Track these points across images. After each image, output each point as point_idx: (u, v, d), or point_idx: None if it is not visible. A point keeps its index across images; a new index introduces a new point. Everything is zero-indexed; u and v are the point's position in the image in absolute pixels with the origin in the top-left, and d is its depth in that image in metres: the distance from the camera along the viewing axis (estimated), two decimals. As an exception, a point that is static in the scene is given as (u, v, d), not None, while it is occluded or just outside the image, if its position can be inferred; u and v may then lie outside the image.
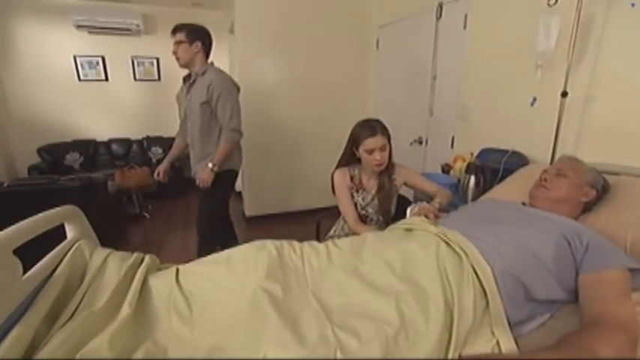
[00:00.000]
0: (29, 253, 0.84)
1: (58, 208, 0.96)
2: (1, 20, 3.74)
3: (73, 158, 4.03)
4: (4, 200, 2.25)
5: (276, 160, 3.39)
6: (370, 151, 1.42)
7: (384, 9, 3.08)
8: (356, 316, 0.70)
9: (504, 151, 1.78)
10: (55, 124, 4.14)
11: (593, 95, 1.50)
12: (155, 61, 4.34)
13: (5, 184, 2.28)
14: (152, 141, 4.41)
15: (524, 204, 1.19)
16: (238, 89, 2.03)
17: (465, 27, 2.18)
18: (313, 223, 1.83)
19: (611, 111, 1.45)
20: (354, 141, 1.49)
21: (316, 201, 3.37)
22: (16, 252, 0.75)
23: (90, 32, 4.00)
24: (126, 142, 4.35)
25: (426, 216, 1.10)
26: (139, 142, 4.40)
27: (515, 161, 1.71)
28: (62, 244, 0.93)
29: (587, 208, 1.11)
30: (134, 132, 4.44)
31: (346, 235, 1.68)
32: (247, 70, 3.08)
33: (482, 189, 1.70)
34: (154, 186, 3.52)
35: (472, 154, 2.03)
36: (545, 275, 0.87)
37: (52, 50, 3.97)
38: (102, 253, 0.96)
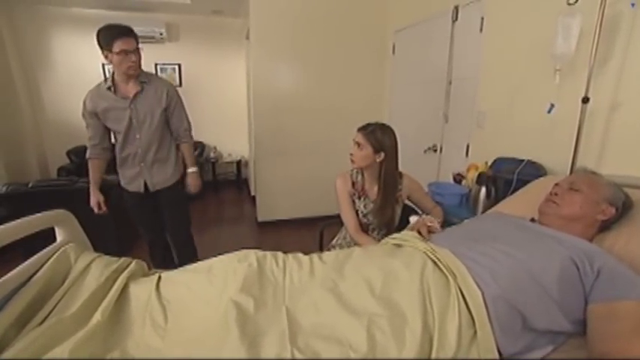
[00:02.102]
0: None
1: (47, 212, 0.98)
2: (40, 32, 4.02)
3: (98, 160, 4.22)
4: (29, 199, 2.38)
5: (290, 166, 3.38)
6: (354, 144, 1.45)
7: (401, 13, 3.01)
8: (323, 339, 0.65)
9: (519, 161, 1.66)
10: (83, 128, 4.32)
11: (619, 101, 1.37)
12: (177, 67, 4.48)
13: (30, 185, 2.41)
14: (172, 145, 4.54)
15: (533, 220, 1.09)
16: None
17: (481, 30, 2.08)
18: (330, 230, 1.80)
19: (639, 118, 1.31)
20: None
21: (329, 208, 3.31)
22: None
23: (117, 41, 4.19)
24: (148, 146, 4.51)
25: (419, 231, 1.02)
26: (160, 145, 4.54)
27: (531, 172, 1.59)
28: (48, 248, 0.94)
29: (606, 226, 0.99)
30: (156, 136, 4.60)
31: (348, 244, 1.63)
32: (261, 76, 3.11)
33: (493, 201, 1.58)
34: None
35: (486, 163, 1.91)
36: (547, 303, 0.78)
37: (83, 58, 4.20)
38: (87, 257, 0.96)
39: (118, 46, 1.59)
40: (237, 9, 4.03)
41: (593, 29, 1.31)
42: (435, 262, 0.79)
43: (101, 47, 1.63)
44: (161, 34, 4.17)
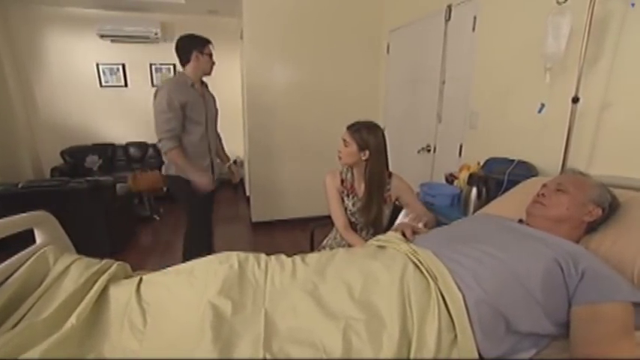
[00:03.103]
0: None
1: (27, 213, 0.96)
2: (33, 31, 3.99)
3: (92, 161, 4.20)
4: (18, 200, 2.36)
5: (284, 166, 3.36)
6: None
7: (395, 12, 3.00)
8: (298, 343, 0.64)
9: (511, 161, 1.66)
10: (77, 128, 4.34)
11: (609, 101, 1.36)
12: (172, 67, 4.46)
13: (20, 186, 2.39)
14: (167, 145, 4.52)
15: (521, 221, 1.08)
16: None
17: (473, 29, 2.07)
18: (321, 230, 1.78)
19: (630, 118, 1.30)
20: None
21: (323, 208, 3.29)
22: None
23: (112, 41, 4.17)
24: (143, 146, 4.49)
25: (403, 233, 1.01)
26: (155, 145, 4.52)
27: (522, 172, 1.58)
28: (26, 251, 0.92)
29: (592, 228, 0.98)
30: (150, 136, 4.54)
31: (339, 245, 1.61)
32: (255, 76, 3.09)
33: (484, 201, 1.57)
34: (164, 189, 3.60)
35: (479, 163, 1.90)
36: (532, 305, 0.76)
37: (77, 58, 4.18)
38: (67, 259, 0.95)
39: (208, 49, 1.91)
40: (232, 8, 4.01)
41: (583, 28, 1.30)
42: (416, 265, 0.78)
43: (190, 49, 1.87)
44: (156, 34, 4.15)
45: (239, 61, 4.10)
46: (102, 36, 4.04)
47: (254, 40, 3.02)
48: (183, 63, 1.91)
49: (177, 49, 1.90)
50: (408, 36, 2.84)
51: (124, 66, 4.32)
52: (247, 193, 4.08)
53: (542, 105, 1.49)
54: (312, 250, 1.78)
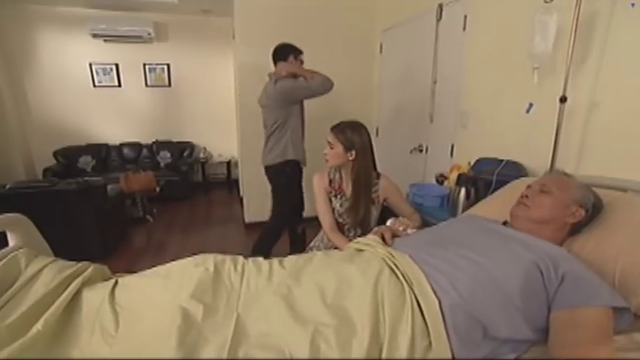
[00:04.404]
0: None
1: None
2: (25, 31, 3.96)
3: (85, 161, 4.18)
4: (5, 202, 2.33)
5: (276, 166, 3.34)
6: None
7: (388, 12, 2.99)
8: (265, 349, 0.62)
9: (500, 161, 1.64)
10: (70, 128, 4.32)
11: (597, 101, 1.34)
12: (166, 67, 4.44)
13: (7, 187, 2.36)
14: (161, 145, 4.50)
15: (505, 223, 1.06)
16: None
17: (464, 28, 2.05)
18: (312, 230, 1.77)
19: (618, 118, 1.28)
20: None
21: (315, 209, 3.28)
22: None
23: (105, 40, 4.15)
24: (136, 147, 4.47)
25: (383, 236, 0.99)
26: (149, 146, 4.51)
27: (511, 173, 1.56)
28: (-4, 254, 0.90)
29: (576, 229, 0.97)
30: (144, 136, 4.56)
31: (326, 246, 1.60)
32: (247, 76, 3.07)
33: (472, 202, 1.55)
34: (157, 190, 3.58)
35: (469, 163, 1.89)
36: (510, 310, 0.74)
37: (70, 58, 4.15)
38: (39, 263, 0.93)
39: (301, 57, 2.27)
40: (226, 8, 3.98)
41: (570, 27, 1.29)
42: (392, 269, 0.76)
43: (290, 51, 2.24)
44: (149, 33, 4.12)
45: (232, 61, 4.08)
46: (94, 35, 4.02)
47: (246, 41, 3.00)
48: (278, 60, 2.24)
49: (276, 52, 2.25)
50: (401, 35, 2.82)
51: (117, 66, 4.30)
52: (241, 194, 4.06)
53: (531, 105, 1.48)
54: (301, 251, 1.77)
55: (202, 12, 4.21)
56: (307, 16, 3.05)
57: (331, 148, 1.41)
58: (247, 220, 3.41)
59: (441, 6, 2.24)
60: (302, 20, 3.05)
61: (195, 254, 0.98)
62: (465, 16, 2.03)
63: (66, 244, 2.43)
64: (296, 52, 2.26)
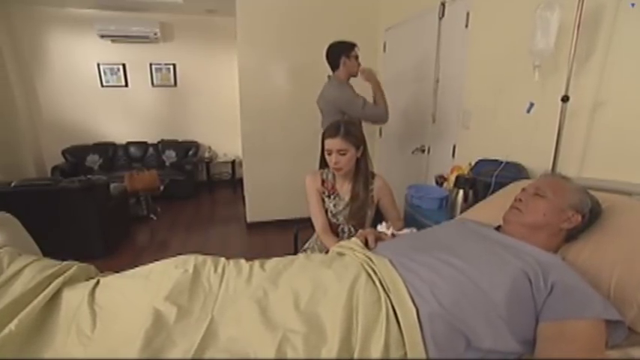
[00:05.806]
0: None
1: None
2: (35, 32, 4.04)
3: (93, 160, 4.25)
4: (11, 200, 2.37)
5: (278, 166, 3.33)
6: (329, 152, 1.35)
7: (391, 11, 2.94)
8: (230, 354, 0.60)
9: (501, 162, 1.58)
10: (78, 128, 4.39)
11: (601, 100, 1.28)
12: (172, 67, 4.47)
13: (12, 184, 2.41)
14: (166, 144, 4.54)
15: (498, 228, 1.01)
16: None
17: (466, 26, 2.00)
18: (307, 232, 1.74)
19: (623, 118, 1.22)
20: (321, 140, 1.40)
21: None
22: None
23: (112, 41, 4.21)
24: (142, 146, 4.52)
25: (366, 240, 0.96)
26: (155, 145, 4.55)
27: (511, 174, 1.51)
28: (-22, 252, 0.91)
29: (572, 236, 0.92)
30: (151, 136, 4.60)
31: (320, 248, 1.57)
32: (249, 76, 3.07)
33: (471, 204, 1.51)
34: (160, 188, 3.61)
35: (470, 164, 1.84)
36: (495, 321, 0.70)
37: (79, 58, 4.22)
38: (22, 261, 0.93)
39: (354, 52, 2.09)
40: (230, 8, 3.99)
41: (573, 24, 1.23)
42: (369, 275, 0.73)
43: (339, 54, 2.07)
44: (155, 34, 4.16)
45: (236, 61, 4.07)
46: (102, 36, 4.07)
47: (248, 41, 2.99)
48: (334, 68, 2.10)
49: (327, 57, 2.10)
50: (404, 34, 2.77)
51: (124, 66, 4.35)
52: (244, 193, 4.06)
53: (531, 104, 1.42)
54: (295, 252, 1.74)
55: (207, 12, 4.23)
56: (310, 15, 3.03)
57: (343, 154, 1.32)
58: (249, 219, 3.41)
59: (443, 4, 2.19)
60: (304, 20, 3.03)
61: (195, 253, 0.96)
62: (468, 13, 1.97)
63: (69, 242, 2.50)
64: (346, 50, 2.06)
